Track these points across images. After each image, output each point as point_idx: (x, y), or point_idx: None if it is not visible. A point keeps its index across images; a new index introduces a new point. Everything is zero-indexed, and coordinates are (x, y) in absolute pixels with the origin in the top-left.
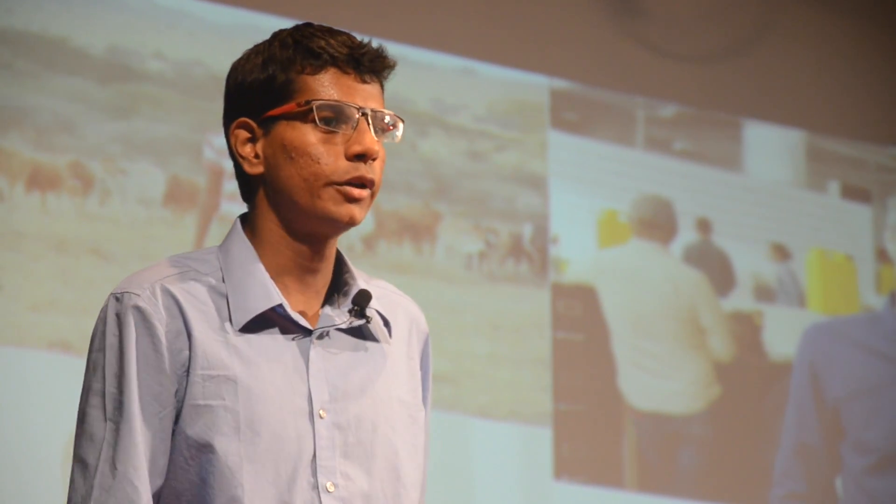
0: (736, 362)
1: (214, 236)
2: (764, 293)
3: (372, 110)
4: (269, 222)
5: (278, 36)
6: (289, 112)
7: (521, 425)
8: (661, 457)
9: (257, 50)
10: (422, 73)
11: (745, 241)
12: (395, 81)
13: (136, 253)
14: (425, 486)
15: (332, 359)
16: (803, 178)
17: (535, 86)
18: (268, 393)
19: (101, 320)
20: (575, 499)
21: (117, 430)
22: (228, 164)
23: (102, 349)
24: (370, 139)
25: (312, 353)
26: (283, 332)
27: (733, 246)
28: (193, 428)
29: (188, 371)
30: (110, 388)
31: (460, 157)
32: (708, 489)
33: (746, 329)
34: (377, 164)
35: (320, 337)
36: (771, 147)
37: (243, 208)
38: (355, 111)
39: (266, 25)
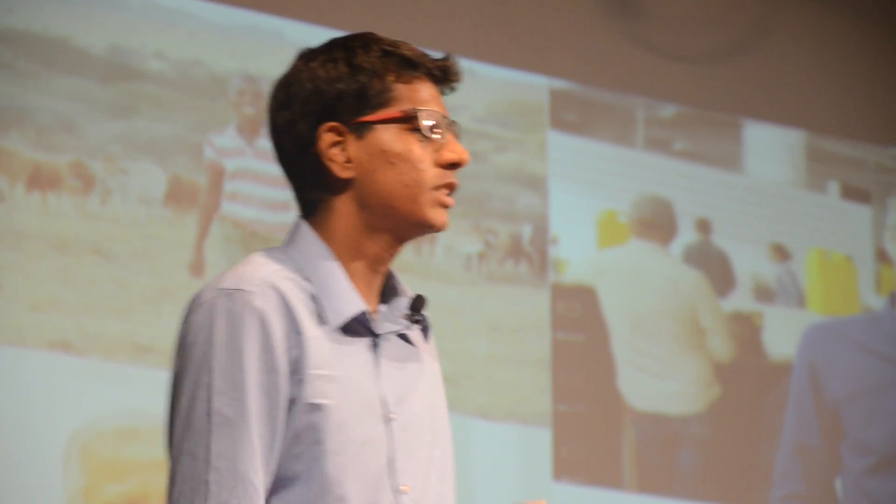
0: (735, 363)
1: (215, 236)
2: (764, 293)
3: (454, 121)
4: (349, 227)
5: (353, 44)
6: (390, 118)
7: (521, 426)
8: (660, 457)
9: (332, 57)
10: None
11: (744, 241)
12: None
13: (136, 253)
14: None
15: (393, 362)
16: (803, 179)
17: (535, 86)
18: (355, 394)
19: (207, 315)
20: (574, 499)
21: (233, 429)
22: (229, 164)
23: (210, 344)
24: (461, 148)
25: (382, 358)
26: (356, 333)
27: (733, 246)
28: (303, 426)
29: (298, 370)
30: (223, 384)
31: None
32: (707, 490)
33: (746, 329)
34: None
35: (386, 340)
36: (771, 147)
37: (244, 208)
38: (448, 121)
39: (266, 25)
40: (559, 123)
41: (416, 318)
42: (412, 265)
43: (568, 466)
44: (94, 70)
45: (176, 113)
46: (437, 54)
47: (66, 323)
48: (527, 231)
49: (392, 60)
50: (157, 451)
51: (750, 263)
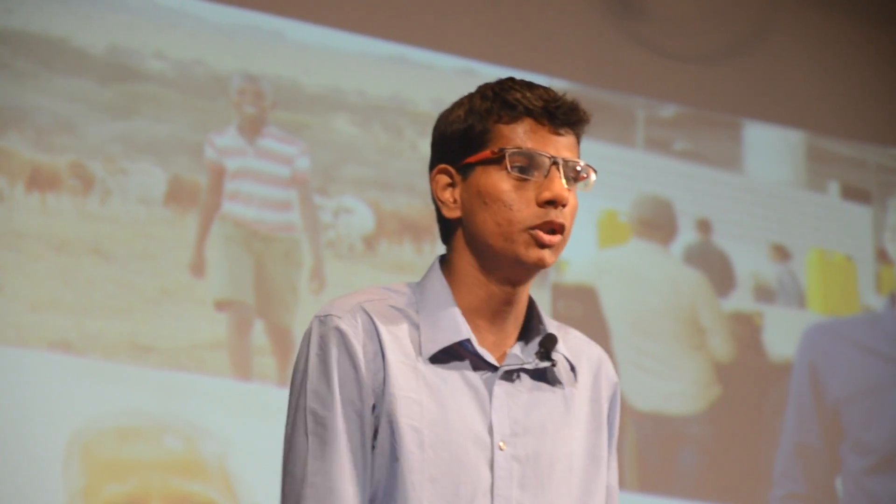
0: (736, 363)
1: (216, 236)
2: (764, 293)
3: (563, 159)
4: (466, 264)
5: (481, 89)
6: (484, 159)
7: None
8: (661, 457)
9: (461, 102)
10: (422, 73)
11: (745, 241)
12: (396, 82)
13: (136, 253)
14: None
15: (516, 396)
16: (803, 179)
17: None
18: (450, 419)
19: (305, 343)
20: None
21: (325, 445)
22: (230, 164)
23: (306, 369)
24: (560, 186)
25: (496, 389)
26: (472, 367)
27: (733, 246)
28: (384, 443)
29: (382, 391)
30: (314, 404)
31: None
32: (708, 489)
33: (746, 329)
34: (567, 210)
35: (508, 375)
36: (771, 147)
37: (245, 208)
38: (547, 159)
39: (267, 25)
40: None
41: (547, 355)
42: (413, 264)
43: None
44: (93, 70)
45: (176, 113)
46: (555, 93)
47: (67, 323)
48: None
49: (496, 102)
50: (157, 450)
51: (750, 263)
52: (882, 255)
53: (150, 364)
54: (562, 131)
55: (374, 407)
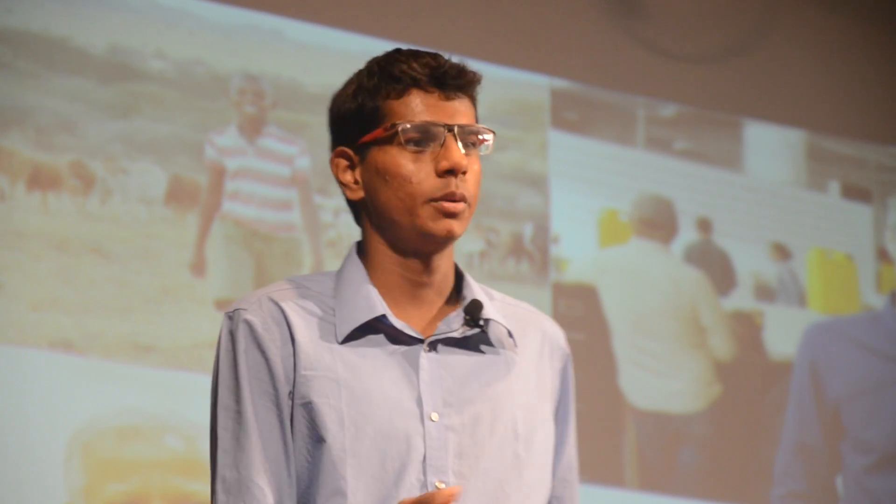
0: (736, 362)
1: (216, 236)
2: (764, 293)
3: (457, 126)
4: (376, 243)
5: (368, 65)
6: (378, 137)
7: None
8: (661, 456)
9: (350, 81)
10: None
11: (745, 240)
12: None
13: (137, 252)
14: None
15: (447, 366)
16: (803, 178)
17: (536, 85)
18: (373, 394)
19: (218, 341)
20: None
21: (237, 438)
22: (230, 164)
23: (218, 366)
24: (457, 153)
25: (423, 361)
26: (394, 342)
27: (734, 245)
28: (302, 425)
29: (294, 375)
30: (226, 400)
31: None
32: (708, 488)
33: (747, 328)
34: (470, 177)
35: (433, 346)
36: (771, 147)
37: (245, 207)
38: (440, 128)
39: (267, 25)
40: (560, 122)
41: (472, 323)
42: None
43: None
44: (94, 70)
45: (176, 112)
46: (440, 58)
47: (67, 322)
48: (528, 230)
49: (383, 77)
50: (157, 450)
51: (751, 262)
52: (882, 254)
53: (151, 363)
54: (453, 97)
55: (290, 393)
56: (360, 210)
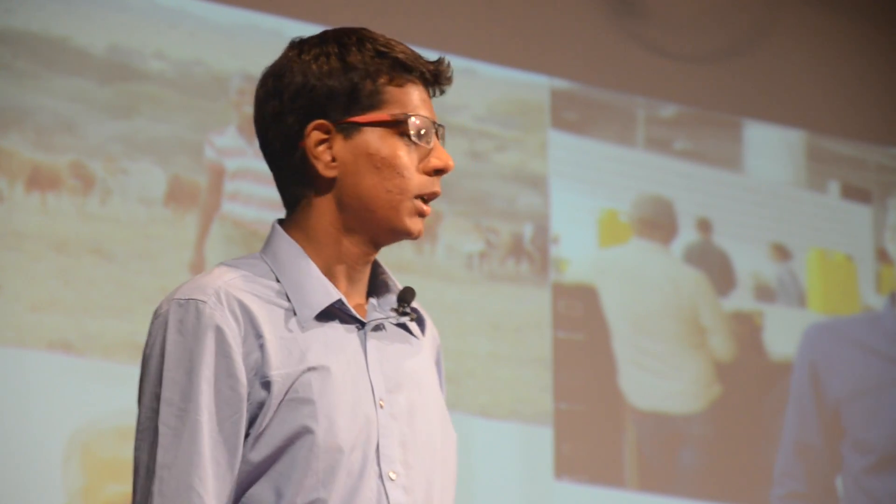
0: (736, 362)
1: (216, 236)
2: (764, 293)
3: (442, 126)
4: (326, 223)
5: (346, 40)
6: (379, 121)
7: (522, 425)
8: (661, 456)
9: (324, 52)
10: None
11: (745, 241)
12: None
13: (137, 253)
14: None
15: (384, 350)
16: (803, 178)
17: (536, 86)
18: (338, 384)
19: (160, 326)
20: (575, 498)
21: (180, 438)
22: (230, 164)
23: (161, 355)
24: (447, 155)
25: (369, 345)
26: (342, 323)
27: (733, 246)
28: (278, 425)
29: (262, 372)
30: (171, 394)
31: (461, 156)
32: (708, 488)
33: (747, 329)
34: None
35: (375, 329)
36: (771, 147)
37: (245, 208)
38: (435, 126)
39: (267, 25)
40: (560, 123)
41: (405, 310)
42: (413, 264)
43: (569, 465)
44: (94, 70)
45: (176, 113)
46: (430, 56)
47: (66, 323)
48: (528, 230)
49: (386, 62)
50: None
51: (750, 263)
52: (882, 255)
53: None
54: (434, 94)
55: (249, 394)
56: (317, 187)
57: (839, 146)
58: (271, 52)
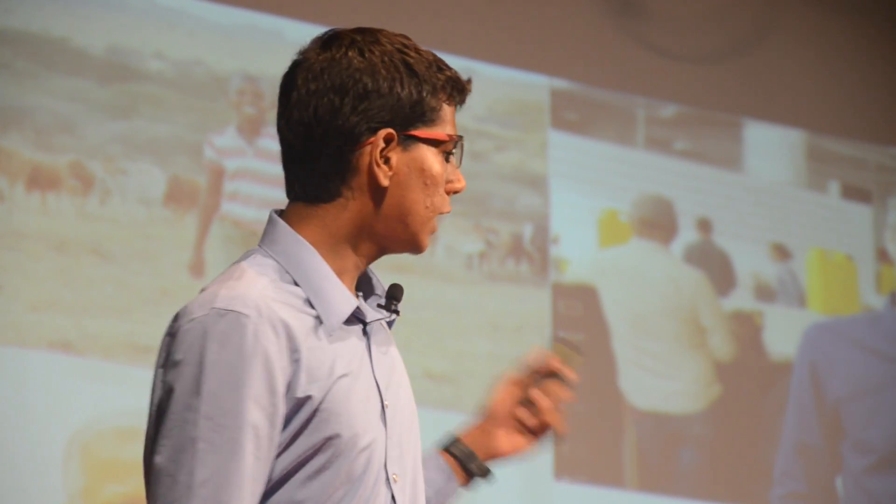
0: (736, 362)
1: (215, 236)
2: (764, 293)
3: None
4: (356, 225)
5: (405, 50)
6: (438, 139)
7: None
8: (661, 456)
9: (389, 56)
10: None
11: (745, 240)
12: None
13: (136, 253)
14: None
15: (378, 349)
16: (803, 178)
17: (536, 86)
18: (357, 390)
19: (198, 335)
20: (575, 498)
21: (220, 454)
22: (229, 164)
23: (199, 365)
24: (461, 177)
25: (372, 345)
26: (350, 324)
27: (734, 246)
28: (309, 434)
29: (295, 386)
30: (212, 409)
31: None
32: (708, 489)
33: (747, 329)
34: None
35: (370, 327)
36: (771, 147)
37: (244, 208)
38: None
39: (266, 25)
40: (560, 123)
41: (394, 307)
42: (413, 265)
43: (569, 465)
44: (93, 70)
45: (176, 113)
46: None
47: (66, 323)
48: (528, 230)
49: (447, 80)
50: None
51: (750, 263)
52: (882, 255)
53: (150, 364)
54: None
55: (289, 405)
56: (358, 191)
57: (839, 146)
58: (271, 52)
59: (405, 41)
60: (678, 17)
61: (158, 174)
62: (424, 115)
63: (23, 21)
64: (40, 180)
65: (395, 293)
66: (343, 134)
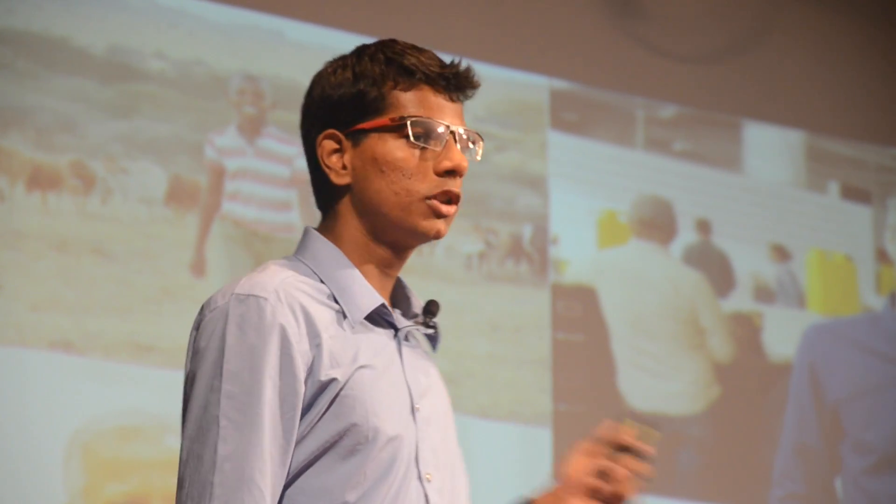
0: (735, 363)
1: (216, 236)
2: (764, 294)
3: (460, 129)
4: (353, 230)
5: (366, 51)
6: (381, 126)
7: (521, 425)
8: (660, 457)
9: (344, 64)
10: None
11: (744, 241)
12: None
13: (137, 252)
14: None
15: (412, 355)
16: (803, 179)
17: (535, 86)
18: (383, 384)
19: (218, 319)
20: None
21: (241, 431)
22: (230, 164)
23: (220, 349)
24: (460, 155)
25: (404, 349)
26: (380, 327)
27: (733, 246)
28: (330, 420)
29: (317, 371)
30: (233, 388)
31: None
32: (707, 490)
33: (746, 330)
34: (460, 181)
35: (405, 337)
36: (771, 147)
37: (245, 208)
38: (445, 128)
39: (267, 25)
40: (559, 123)
41: (430, 322)
42: (412, 265)
43: None
44: (94, 70)
45: (176, 113)
46: (448, 60)
47: (67, 322)
48: (527, 231)
49: (392, 67)
50: (157, 450)
51: (750, 263)
52: (882, 256)
53: (151, 363)
54: (454, 98)
55: (310, 389)
56: (339, 195)
57: (839, 146)
58: (272, 52)
59: (380, 45)
60: (678, 17)
61: (159, 173)
62: (367, 107)
63: (24, 21)
64: (41, 180)
65: (430, 308)
66: (308, 146)
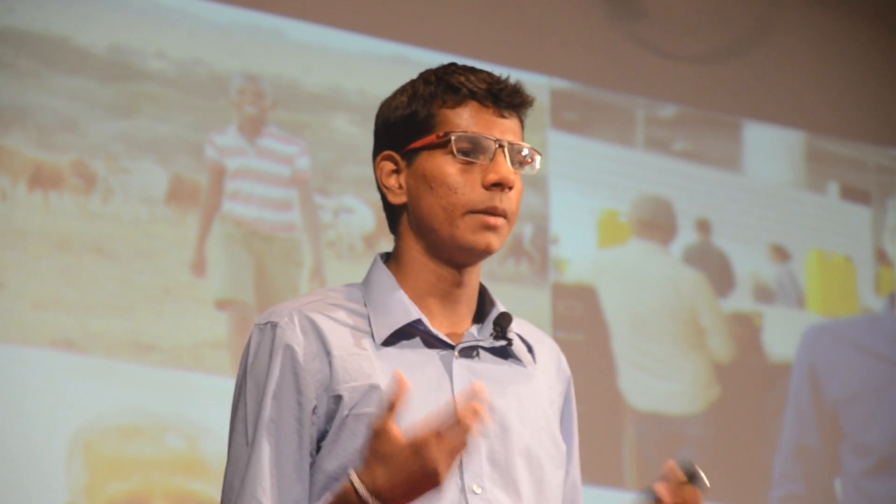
0: (735, 363)
1: (216, 235)
2: (763, 294)
3: (508, 142)
4: (412, 249)
5: (423, 74)
6: (429, 144)
7: None
8: (660, 457)
9: (403, 88)
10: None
11: (744, 241)
12: (396, 81)
13: (138, 251)
14: None
15: (477, 373)
16: (803, 179)
17: (535, 86)
18: (411, 399)
19: (245, 350)
20: None
21: (249, 452)
22: (230, 164)
23: (244, 377)
24: (506, 168)
25: (455, 366)
26: (427, 346)
27: (733, 246)
28: (348, 438)
29: (331, 386)
30: (249, 413)
31: None
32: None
33: (746, 330)
34: (513, 194)
35: (467, 353)
36: (771, 147)
37: (245, 207)
38: (492, 142)
39: (267, 25)
40: (559, 123)
41: (500, 334)
42: None
43: None
44: (95, 69)
45: (177, 112)
46: (497, 76)
47: (69, 321)
48: (527, 230)
49: (440, 87)
50: (159, 449)
51: (750, 264)
52: (881, 256)
53: (152, 363)
54: (506, 114)
55: (315, 408)
56: (399, 215)
57: (839, 147)
58: (272, 52)
59: (440, 67)
60: (678, 17)
61: (160, 173)
62: (417, 127)
63: (24, 20)
64: (42, 179)
65: (500, 321)
66: (374, 172)
